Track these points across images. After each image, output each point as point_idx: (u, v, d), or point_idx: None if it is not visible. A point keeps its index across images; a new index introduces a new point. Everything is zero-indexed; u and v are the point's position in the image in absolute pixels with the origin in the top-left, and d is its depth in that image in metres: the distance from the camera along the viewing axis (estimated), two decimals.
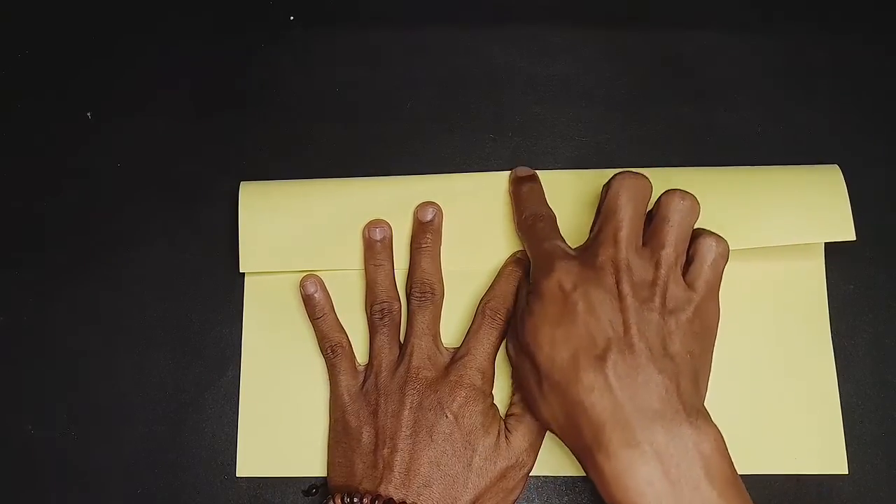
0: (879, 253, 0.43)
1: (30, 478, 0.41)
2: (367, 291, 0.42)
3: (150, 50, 0.46)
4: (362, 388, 0.40)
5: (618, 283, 0.35)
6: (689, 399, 0.34)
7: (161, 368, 0.42)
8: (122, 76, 0.46)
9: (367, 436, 0.38)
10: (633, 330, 0.34)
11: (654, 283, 0.36)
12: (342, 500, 0.37)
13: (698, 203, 0.37)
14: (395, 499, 0.36)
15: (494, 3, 0.47)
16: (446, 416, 0.37)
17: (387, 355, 0.40)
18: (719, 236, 0.38)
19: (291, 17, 0.47)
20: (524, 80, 0.46)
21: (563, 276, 0.36)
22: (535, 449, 0.39)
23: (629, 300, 0.35)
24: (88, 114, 0.46)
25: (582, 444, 0.34)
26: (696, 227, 0.38)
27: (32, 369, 0.42)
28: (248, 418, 0.41)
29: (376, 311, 0.41)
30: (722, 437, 0.33)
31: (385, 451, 0.37)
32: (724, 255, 0.38)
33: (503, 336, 0.40)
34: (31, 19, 0.47)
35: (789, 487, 0.40)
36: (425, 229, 0.42)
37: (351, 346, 0.42)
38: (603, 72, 0.46)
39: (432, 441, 0.37)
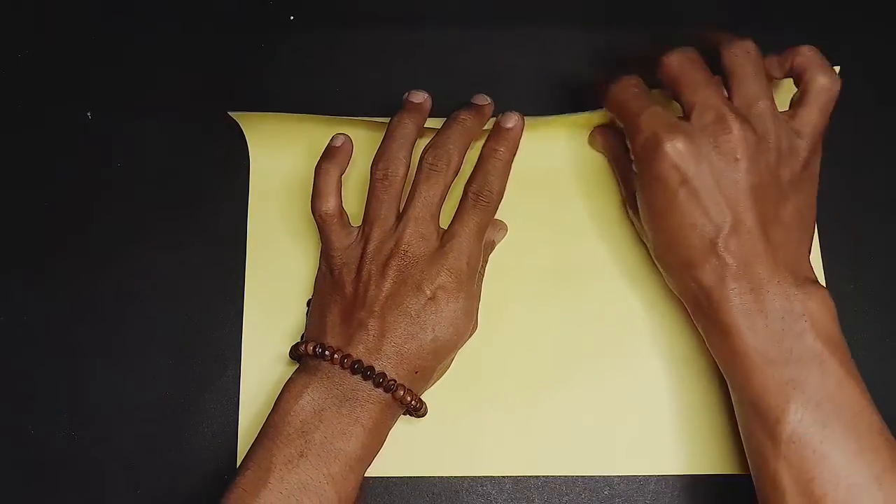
0: (879, 253, 0.43)
1: (30, 478, 0.41)
2: (378, 149, 0.39)
3: (150, 50, 0.46)
4: (351, 247, 0.39)
5: (734, 150, 0.34)
6: (795, 266, 0.35)
7: (161, 368, 0.42)
8: (121, 76, 0.46)
9: (349, 292, 0.38)
10: (749, 205, 0.35)
11: (763, 140, 0.35)
12: (314, 349, 0.36)
13: (755, 43, 0.37)
14: (363, 362, 0.36)
15: (494, 3, 0.47)
16: (425, 294, 0.37)
17: (380, 224, 0.38)
18: (834, 72, 0.36)
19: (291, 17, 0.47)
20: (524, 80, 0.46)
21: (678, 158, 0.35)
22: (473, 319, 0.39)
23: (746, 172, 0.35)
24: (88, 114, 0.46)
25: (692, 300, 0.37)
26: (808, 56, 0.36)
27: (32, 369, 0.42)
28: (248, 418, 0.41)
29: (380, 170, 0.38)
30: (831, 300, 0.35)
31: (362, 313, 0.37)
32: (836, 97, 0.36)
33: (489, 218, 0.39)
34: (31, 19, 0.47)
35: None
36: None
37: (343, 209, 0.39)
38: (602, 72, 0.46)
39: (407, 316, 0.37)
